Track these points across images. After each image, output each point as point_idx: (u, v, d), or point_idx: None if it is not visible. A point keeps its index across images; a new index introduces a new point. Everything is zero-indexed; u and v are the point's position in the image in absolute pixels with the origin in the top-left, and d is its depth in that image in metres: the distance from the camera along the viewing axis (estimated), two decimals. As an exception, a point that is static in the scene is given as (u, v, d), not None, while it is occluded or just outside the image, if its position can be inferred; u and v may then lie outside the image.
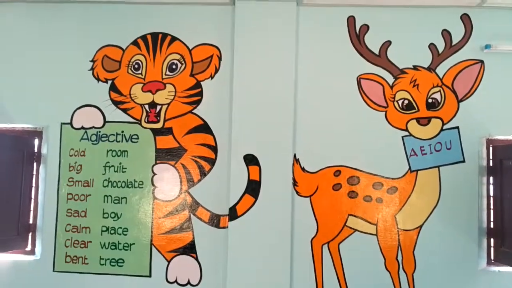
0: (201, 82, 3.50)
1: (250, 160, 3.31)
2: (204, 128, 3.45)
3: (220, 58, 3.51)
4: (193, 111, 3.48)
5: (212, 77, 3.50)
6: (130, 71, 3.53)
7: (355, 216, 3.35)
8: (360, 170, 3.37)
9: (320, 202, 3.36)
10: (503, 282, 3.30)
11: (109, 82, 3.53)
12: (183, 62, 3.51)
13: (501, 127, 3.38)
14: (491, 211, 3.39)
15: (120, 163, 3.44)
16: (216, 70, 3.50)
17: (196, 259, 3.37)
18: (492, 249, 3.37)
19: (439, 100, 3.38)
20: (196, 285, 3.35)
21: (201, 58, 3.52)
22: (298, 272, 3.30)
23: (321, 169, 3.39)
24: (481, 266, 3.33)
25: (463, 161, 3.35)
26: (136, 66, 3.52)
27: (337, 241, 3.34)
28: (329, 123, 3.43)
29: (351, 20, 3.47)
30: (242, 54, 3.41)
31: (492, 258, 3.36)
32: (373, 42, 3.45)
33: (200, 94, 3.49)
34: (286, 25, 3.43)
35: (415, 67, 3.41)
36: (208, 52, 3.52)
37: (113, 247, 3.39)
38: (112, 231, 3.40)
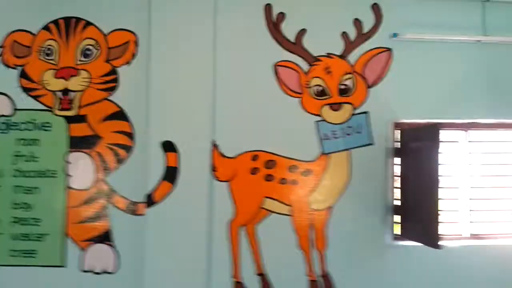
0: (117, 68, 3.44)
1: (168, 146, 3.33)
2: (120, 115, 3.41)
3: (137, 44, 3.46)
4: (109, 98, 3.42)
5: (128, 63, 3.45)
6: (41, 57, 3.40)
7: (271, 198, 3.48)
8: (277, 154, 3.49)
9: (238, 186, 3.46)
10: (407, 255, 3.57)
11: (19, 68, 3.39)
12: (98, 47, 3.43)
13: (407, 111, 3.61)
14: (398, 190, 3.64)
15: (32, 152, 3.34)
16: (133, 56, 3.45)
17: (113, 247, 3.37)
18: (398, 225, 3.64)
19: (351, 87, 3.54)
20: (113, 273, 3.36)
21: (117, 43, 3.45)
22: (216, 256, 3.40)
23: (239, 154, 3.48)
24: (388, 241, 3.58)
25: (372, 144, 3.56)
26: (48, 51, 3.40)
27: (253, 223, 3.46)
28: (247, 109, 3.50)
29: (268, 8, 3.53)
30: (160, 40, 3.39)
31: (398, 233, 3.62)
32: (289, 30, 3.53)
33: (116, 80, 3.44)
34: (203, 12, 3.44)
35: (328, 55, 3.54)
36: (124, 38, 3.46)
37: (25, 238, 3.31)
38: (24, 222, 3.31)
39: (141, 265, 3.31)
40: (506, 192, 3.86)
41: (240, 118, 3.49)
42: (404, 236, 3.58)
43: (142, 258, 3.31)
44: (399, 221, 3.61)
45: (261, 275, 3.47)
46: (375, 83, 3.56)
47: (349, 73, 3.54)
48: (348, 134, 3.55)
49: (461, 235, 3.73)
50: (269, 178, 3.48)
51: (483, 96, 3.64)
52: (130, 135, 3.40)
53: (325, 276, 3.50)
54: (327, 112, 3.53)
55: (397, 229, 3.63)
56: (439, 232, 3.11)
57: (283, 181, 3.49)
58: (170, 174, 3.31)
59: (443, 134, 3.73)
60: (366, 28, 3.57)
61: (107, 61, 3.44)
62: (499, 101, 3.65)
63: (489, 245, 3.65)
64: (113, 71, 3.44)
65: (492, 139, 3.80)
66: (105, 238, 3.36)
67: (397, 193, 3.66)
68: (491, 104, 3.64)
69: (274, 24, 3.52)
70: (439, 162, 3.13)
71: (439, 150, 3.14)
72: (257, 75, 3.51)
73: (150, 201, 3.30)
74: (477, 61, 3.63)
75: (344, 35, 3.55)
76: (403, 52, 3.58)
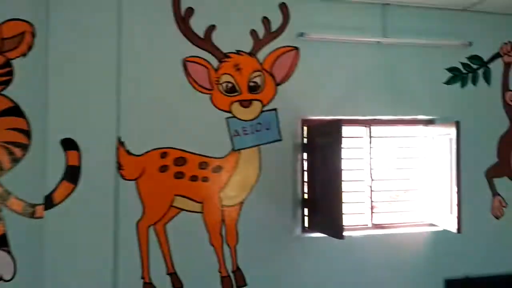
0: (12, 61, 3.20)
1: (68, 144, 3.16)
2: (15, 110, 3.17)
3: (33, 35, 3.23)
4: (3, 92, 3.17)
5: (24, 55, 3.22)
6: None
7: (182, 196, 3.43)
8: (187, 151, 3.45)
9: (146, 185, 3.37)
10: (315, 246, 3.71)
11: None
12: (-11, 38, 3.16)
13: (314, 108, 3.75)
14: (306, 184, 3.77)
15: None
16: (29, 48, 3.23)
17: (9, 253, 3.14)
18: (306, 218, 3.77)
19: (260, 84, 3.60)
20: (9, 280, 3.13)
21: (12, 34, 3.21)
22: (124, 257, 3.30)
23: (147, 152, 3.39)
24: (297, 233, 3.70)
25: (281, 140, 3.65)
26: None
27: (163, 222, 3.40)
28: (156, 105, 3.43)
29: (176, 2, 3.47)
30: (59, 31, 3.20)
31: (306, 226, 3.76)
32: (198, 26, 3.50)
33: (11, 73, 3.19)
34: (107, 2, 3.30)
35: (238, 52, 3.56)
36: (19, 28, 3.22)
37: None
38: None
39: (40, 271, 3.12)
40: (406, 184, 4.16)
41: (148, 114, 3.41)
42: (311, 228, 3.72)
43: (41, 264, 3.11)
44: (306, 213, 3.75)
45: (172, 274, 3.42)
46: (283, 80, 3.65)
47: (258, 71, 3.59)
48: (258, 131, 3.60)
49: (366, 225, 3.94)
50: (179, 175, 3.43)
51: (384, 95, 3.87)
52: (26, 133, 3.18)
53: (237, 271, 3.54)
54: (237, 109, 3.56)
55: (307, 222, 3.77)
56: (343, 224, 3.26)
57: (193, 178, 3.46)
58: (71, 174, 3.14)
59: (348, 130, 3.94)
60: (274, 26, 3.64)
61: (1, 52, 3.18)
62: (398, 99, 3.90)
63: (390, 234, 3.90)
64: (8, 64, 3.19)
65: (392, 135, 4.07)
66: (0, 243, 3.11)
67: (306, 187, 3.79)
68: (391, 102, 3.88)
69: (182, 18, 3.47)
70: (342, 157, 3.28)
71: (342, 145, 3.29)
72: (165, 70, 3.44)
73: (49, 202, 3.11)
74: (377, 61, 3.85)
75: (253, 32, 3.59)
76: (309, 51, 3.70)
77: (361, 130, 3.97)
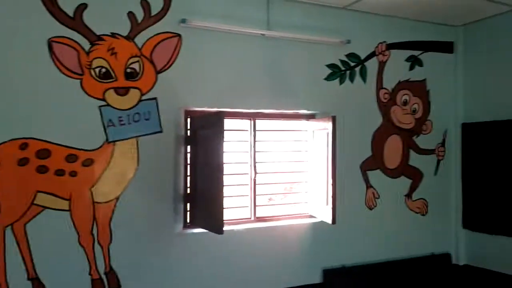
0: None
1: None
2: None
3: None
4: None
5: None
6: None
7: (45, 192, 3.07)
8: (52, 143, 3.09)
9: (2, 180, 2.95)
10: (196, 243, 3.59)
11: None
12: None
13: (197, 99, 3.61)
14: (188, 178, 3.63)
15: None
16: None
17: None
18: (188, 213, 3.63)
19: (138, 70, 3.35)
20: None
21: None
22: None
23: (3, 143, 2.97)
24: (178, 229, 3.54)
25: (162, 131, 3.45)
26: None
27: (23, 222, 3.01)
28: (15, 90, 3.01)
29: (40, -26, 3.07)
30: None
31: (188, 221, 3.62)
32: (67, 3, 3.14)
33: None
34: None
35: (113, 35, 3.28)
36: None
37: None
38: None
39: None
40: (289, 177, 4.22)
41: (6, 99, 2.98)
42: (193, 224, 3.60)
43: None
44: (188, 208, 3.62)
45: (34, 279, 3.05)
46: (164, 68, 3.45)
47: (136, 56, 3.34)
48: (136, 121, 3.36)
49: (249, 218, 3.92)
50: (42, 169, 3.06)
51: (267, 88, 3.87)
52: None
53: (110, 273, 3.27)
54: (112, 97, 3.28)
55: (189, 218, 3.63)
56: (223, 218, 3.18)
57: (59, 172, 3.11)
58: None
59: (232, 123, 3.88)
60: (155, 10, 3.42)
61: None
62: (281, 93, 3.92)
63: (272, 226, 3.92)
64: None
65: (275, 128, 4.10)
66: None
67: (189, 182, 3.64)
68: (274, 96, 3.90)
69: (48, -6, 3.09)
70: (224, 150, 3.19)
71: (224, 138, 3.20)
72: (28, 51, 3.04)
73: None
74: (262, 54, 3.83)
75: (131, 15, 3.33)
76: (192, 39, 3.55)
77: (246, 123, 3.93)
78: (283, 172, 4.19)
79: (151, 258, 3.41)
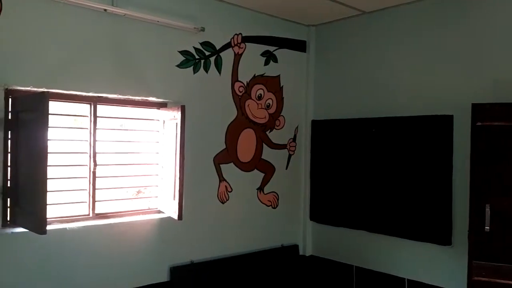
0: None
1: None
2: None
3: None
4: None
5: None
6: None
7: None
8: None
9: None
10: (16, 244, 3.08)
11: None
12: None
13: (21, 77, 3.08)
14: (8, 169, 3.09)
15: None
16: None
17: None
18: (8, 209, 3.09)
19: None
20: None
21: None
22: None
23: None
24: (-6, 230, 2.99)
25: (-30, 113, 2.86)
26: None
27: None
28: None
29: None
30: None
31: (8, 219, 3.08)
32: None
33: None
34: None
35: None
36: None
37: None
38: None
39: None
40: (131, 170, 3.89)
41: None
42: (14, 222, 3.08)
43: None
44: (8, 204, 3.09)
45: None
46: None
47: None
48: None
49: (87, 215, 3.51)
50: None
51: (111, 70, 3.50)
52: None
53: None
54: None
55: (9, 215, 3.10)
56: (45, 216, 2.76)
57: None
58: None
59: (69, 107, 3.44)
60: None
61: None
62: (127, 77, 3.59)
63: (114, 223, 3.57)
64: None
65: (119, 116, 3.75)
66: None
67: (10, 173, 3.11)
68: (118, 80, 3.54)
69: None
70: (47, 136, 2.76)
71: (48, 122, 2.77)
72: None
73: None
74: (104, 32, 3.45)
75: None
76: (17, 6, 3.02)
77: (85, 108, 3.51)
78: (130, 164, 3.85)
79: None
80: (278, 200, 4.72)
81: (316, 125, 4.84)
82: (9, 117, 3.08)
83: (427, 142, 3.88)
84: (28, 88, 3.11)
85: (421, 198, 3.90)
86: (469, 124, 3.29)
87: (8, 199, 3.09)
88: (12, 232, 3.06)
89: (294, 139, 4.86)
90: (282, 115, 4.73)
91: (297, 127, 4.89)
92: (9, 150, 3.08)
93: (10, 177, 3.08)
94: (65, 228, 3.29)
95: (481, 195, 3.20)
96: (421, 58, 4.00)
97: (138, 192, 4.22)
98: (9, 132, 3.08)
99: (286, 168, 4.80)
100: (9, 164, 3.09)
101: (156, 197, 3.88)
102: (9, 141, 3.08)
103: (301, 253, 4.88)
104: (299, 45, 4.85)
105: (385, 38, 4.28)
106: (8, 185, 3.09)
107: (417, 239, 3.93)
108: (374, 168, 4.26)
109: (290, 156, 4.83)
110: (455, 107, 3.72)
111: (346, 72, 4.62)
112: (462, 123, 3.59)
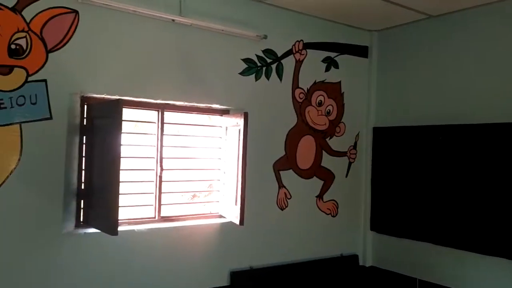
0: None
1: None
2: None
3: None
4: None
5: None
6: None
7: None
8: None
9: None
10: (87, 243, 3.22)
11: None
12: None
13: (96, 84, 3.25)
14: (83, 172, 3.26)
15: None
16: None
17: None
18: (82, 211, 3.27)
19: (24, 48, 2.94)
20: None
21: None
22: None
23: None
24: (67, 229, 3.16)
25: (51, 118, 3.06)
26: None
27: None
28: None
29: None
30: None
31: (81, 220, 3.26)
32: None
33: None
34: None
35: (-4, 4, 2.84)
36: None
37: None
38: None
39: None
40: (197, 175, 3.99)
41: None
42: (87, 223, 3.24)
43: None
44: (82, 206, 3.26)
45: None
46: (56, 47, 3.06)
47: (23, 31, 2.93)
48: (20, 105, 2.94)
49: (153, 218, 3.63)
50: None
51: (177, 78, 3.61)
52: None
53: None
54: (-9, 76, 2.84)
55: (82, 216, 3.28)
56: (117, 218, 2.88)
57: None
58: None
59: (137, 114, 3.58)
60: (48, -19, 3.03)
61: None
62: (193, 85, 3.69)
63: (178, 227, 3.66)
64: None
65: (185, 122, 3.86)
66: None
67: (84, 176, 3.28)
68: (185, 87, 3.65)
69: None
70: (121, 142, 2.90)
71: (123, 129, 2.91)
72: None
73: None
74: (172, 41, 3.57)
75: (15, -16, 2.91)
76: (92, 18, 3.19)
77: (153, 115, 3.64)
78: (194, 169, 3.95)
79: (32, 262, 3.00)
80: (337, 208, 4.64)
81: (378, 132, 4.72)
82: (84, 123, 3.25)
83: (499, 150, 3.66)
84: (102, 96, 3.28)
85: (493, 209, 3.68)
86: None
87: (82, 201, 3.26)
88: (84, 233, 3.22)
89: (354, 147, 4.77)
90: (342, 122, 4.66)
91: (358, 134, 4.79)
92: (83, 154, 3.25)
93: (84, 180, 3.25)
94: (134, 230, 3.41)
95: None
96: (492, 62, 3.80)
97: (194, 196, 4.30)
98: (84, 137, 3.25)
99: (346, 176, 4.71)
100: (83, 167, 3.26)
101: (218, 202, 3.94)
102: (84, 145, 3.25)
103: (361, 263, 4.76)
104: (361, 51, 4.77)
105: (452, 42, 4.11)
106: (82, 187, 3.26)
107: (486, 253, 3.71)
108: (440, 178, 4.08)
109: (350, 163, 4.74)
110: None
111: (409, 78, 4.48)
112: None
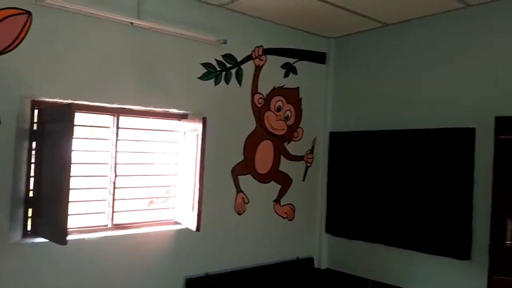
0: None
1: None
2: None
3: None
4: None
5: None
6: None
7: None
8: None
9: None
10: (35, 254, 3.08)
11: None
12: None
13: (48, 88, 3.12)
14: (31, 179, 3.12)
15: None
16: None
17: None
18: (29, 219, 3.13)
19: (-31, 48, 2.77)
20: None
21: None
22: None
23: None
24: (13, 239, 3.02)
25: (-1, 123, 2.91)
26: None
27: None
28: None
29: None
30: None
31: (29, 229, 3.12)
32: None
33: None
34: None
35: None
36: None
37: None
38: None
39: None
40: (154, 181, 3.92)
41: None
42: (35, 232, 3.11)
43: None
44: (30, 215, 3.12)
45: None
46: (7, 50, 2.90)
47: (-32, 31, 2.76)
48: (-37, 109, 2.77)
49: (106, 225, 3.53)
50: None
51: (134, 83, 3.52)
52: None
53: None
54: None
55: (30, 225, 3.14)
56: (66, 227, 2.78)
57: None
58: None
59: (93, 118, 3.47)
60: (-3, -21, 2.87)
61: None
62: (150, 89, 3.61)
63: (132, 234, 3.59)
64: None
65: (141, 127, 3.78)
66: None
67: (33, 183, 3.15)
68: (142, 92, 3.57)
69: None
70: (72, 147, 2.79)
71: (73, 133, 2.81)
72: None
73: None
74: (129, 44, 3.47)
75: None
76: (46, 20, 3.06)
77: (108, 120, 3.54)
78: (150, 175, 3.87)
79: (-24, 274, 2.85)
80: (294, 212, 4.71)
81: (334, 137, 4.82)
82: (34, 128, 3.11)
83: (447, 155, 3.82)
84: (55, 100, 3.15)
85: (440, 211, 3.84)
86: (491, 137, 3.26)
87: (30, 209, 3.12)
88: (32, 242, 3.09)
89: (311, 151, 4.85)
90: (300, 127, 4.72)
91: (315, 139, 4.87)
92: (32, 161, 3.11)
93: (33, 187, 3.12)
94: (84, 239, 3.31)
95: (502, 209, 3.17)
96: (443, 70, 3.95)
97: (150, 202, 4.23)
98: (34, 142, 3.11)
99: (303, 180, 4.78)
100: (32, 174, 3.12)
101: (174, 208, 3.89)
102: (34, 151, 3.11)
103: (316, 266, 4.85)
104: (319, 57, 4.84)
105: (406, 50, 4.25)
106: (30, 195, 3.12)
107: (435, 253, 3.87)
108: (391, 181, 4.22)
109: (307, 167, 4.82)
110: (478, 120, 3.67)
111: (365, 84, 4.60)
112: (484, 136, 3.55)
